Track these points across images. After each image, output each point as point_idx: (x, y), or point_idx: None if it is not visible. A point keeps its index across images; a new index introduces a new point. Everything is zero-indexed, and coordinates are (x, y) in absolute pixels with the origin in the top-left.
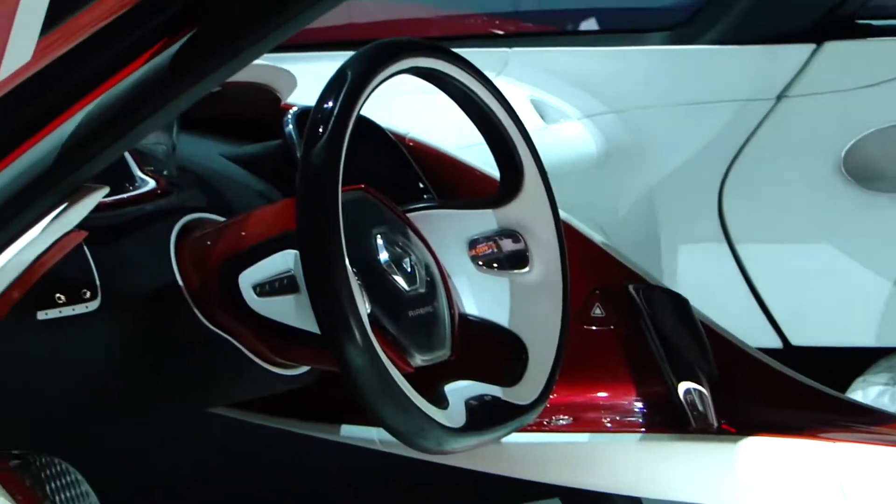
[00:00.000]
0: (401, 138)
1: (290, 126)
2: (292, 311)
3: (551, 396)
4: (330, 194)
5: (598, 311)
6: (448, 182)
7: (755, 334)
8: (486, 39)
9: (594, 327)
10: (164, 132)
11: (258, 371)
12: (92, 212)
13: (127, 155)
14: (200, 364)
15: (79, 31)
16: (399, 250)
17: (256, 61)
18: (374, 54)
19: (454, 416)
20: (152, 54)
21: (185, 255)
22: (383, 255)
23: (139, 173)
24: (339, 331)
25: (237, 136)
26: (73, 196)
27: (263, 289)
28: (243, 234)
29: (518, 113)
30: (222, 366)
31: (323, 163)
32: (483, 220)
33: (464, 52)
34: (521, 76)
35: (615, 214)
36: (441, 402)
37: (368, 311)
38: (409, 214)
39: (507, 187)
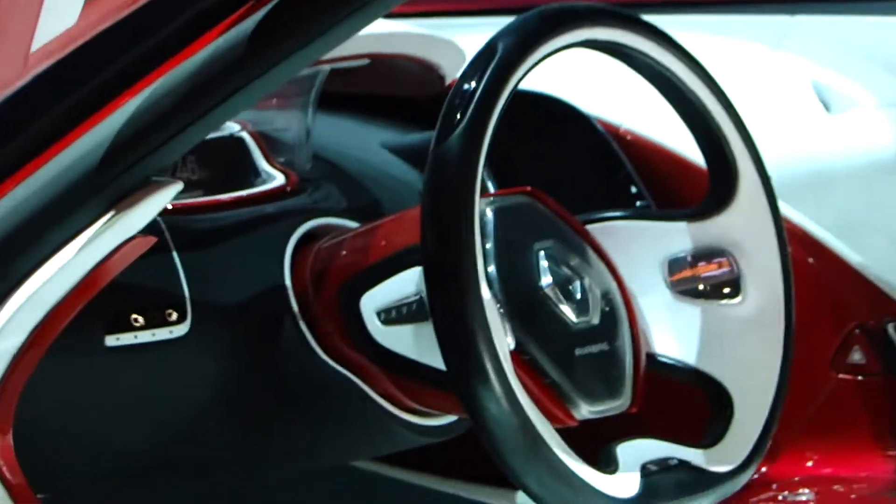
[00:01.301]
0: (613, 130)
1: None
2: (422, 345)
3: (772, 463)
4: (463, 198)
5: (857, 357)
6: (671, 187)
7: None
8: (757, 3)
9: (852, 376)
10: (296, 114)
11: (391, 421)
12: (192, 213)
13: (251, 141)
14: (317, 411)
15: None
16: (568, 272)
17: (413, 30)
18: (532, 24)
19: (624, 483)
20: (232, 22)
21: (303, 270)
22: (546, 278)
23: (265, 166)
24: (465, 371)
25: (404, 120)
26: (137, 194)
27: (389, 315)
28: (370, 246)
29: (730, 97)
30: (345, 414)
31: (456, 158)
32: (685, 236)
33: (728, 19)
34: (805, 51)
35: None
36: (608, 465)
37: (511, 346)
38: (591, 226)
39: (716, 195)
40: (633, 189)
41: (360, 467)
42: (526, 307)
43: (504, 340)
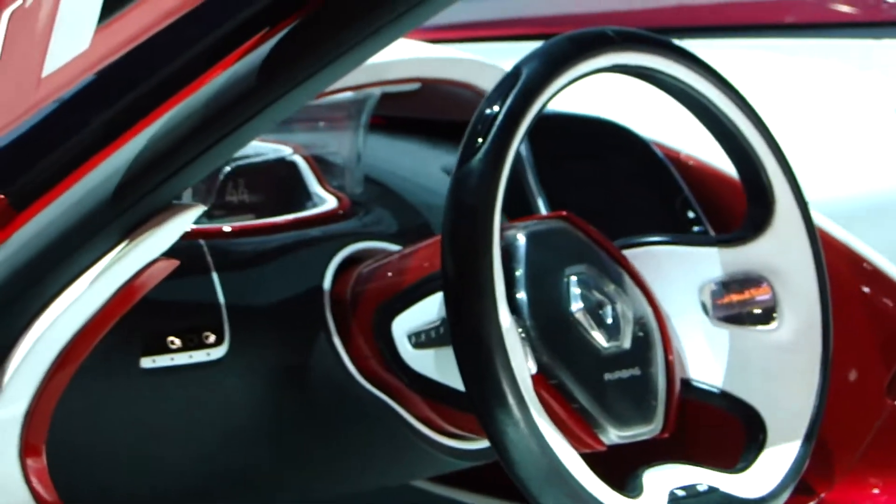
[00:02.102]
0: (673, 155)
1: None
2: (449, 368)
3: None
4: (482, 221)
5: None
6: (731, 213)
7: None
8: (842, 27)
9: None
10: (347, 137)
11: (428, 445)
12: (237, 236)
13: (304, 164)
14: (354, 435)
15: (154, 18)
16: (599, 297)
17: (462, 55)
18: (559, 48)
19: None
20: (248, 49)
21: (342, 294)
22: (576, 303)
23: (318, 189)
24: (482, 395)
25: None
26: (157, 217)
27: (419, 339)
28: (404, 270)
29: (767, 124)
30: (382, 438)
31: (476, 182)
32: (722, 261)
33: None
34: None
35: None
36: (634, 490)
37: (533, 370)
38: (629, 251)
39: (752, 220)
40: (691, 214)
41: (403, 487)
42: (554, 332)
43: (524, 364)
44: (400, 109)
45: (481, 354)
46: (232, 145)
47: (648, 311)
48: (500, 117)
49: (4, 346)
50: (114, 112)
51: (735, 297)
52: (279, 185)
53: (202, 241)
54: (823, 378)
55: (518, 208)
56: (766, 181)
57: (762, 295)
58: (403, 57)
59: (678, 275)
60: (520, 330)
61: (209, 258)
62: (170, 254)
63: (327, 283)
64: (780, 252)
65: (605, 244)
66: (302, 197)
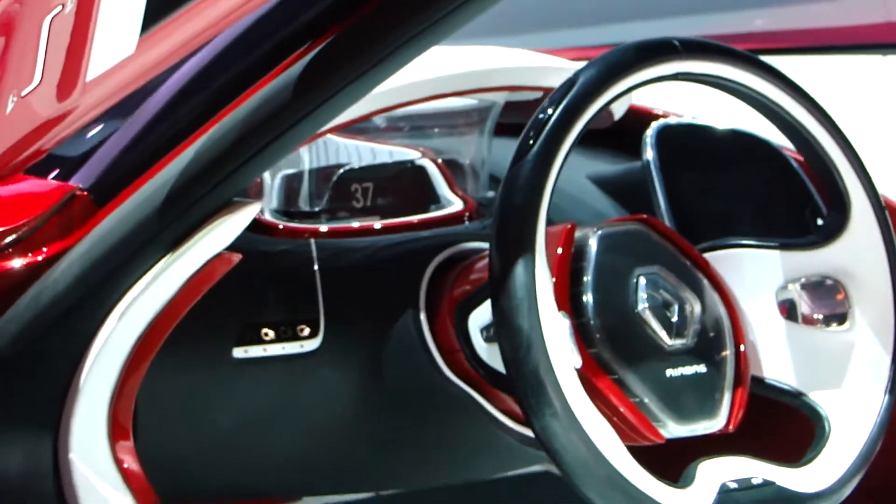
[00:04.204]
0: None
1: (649, 141)
2: None
3: None
4: (527, 220)
5: None
6: None
7: None
8: None
9: None
10: (473, 143)
11: (514, 437)
12: (347, 235)
13: (433, 168)
14: (443, 428)
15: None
16: (667, 296)
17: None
18: (616, 57)
19: (694, 499)
20: (297, 58)
21: (437, 292)
22: (642, 302)
23: (447, 192)
24: (524, 389)
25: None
26: (218, 215)
27: (489, 333)
28: (484, 267)
29: (841, 128)
30: (471, 431)
31: (525, 183)
32: (800, 264)
33: None
34: None
35: None
36: (685, 480)
37: (578, 365)
38: (712, 254)
39: (829, 224)
40: (820, 222)
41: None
42: (617, 329)
43: (567, 360)
44: (522, 117)
45: (519, 349)
46: (277, 151)
47: (722, 310)
48: (552, 122)
49: (86, 334)
50: (178, 118)
51: (810, 299)
52: (407, 188)
53: (312, 240)
54: (893, 381)
55: (643, 212)
56: (841, 186)
57: (836, 297)
58: (525, 65)
59: (758, 276)
60: (572, 326)
61: (314, 256)
62: (279, 253)
63: (425, 280)
64: (855, 256)
65: (685, 246)
66: (430, 199)
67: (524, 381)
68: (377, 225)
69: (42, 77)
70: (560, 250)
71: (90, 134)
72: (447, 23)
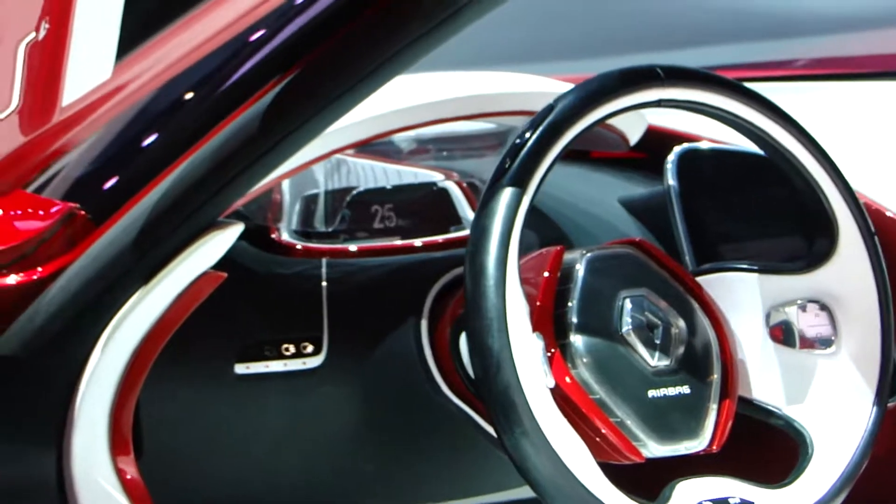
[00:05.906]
0: None
1: (670, 167)
2: None
3: None
4: (501, 242)
5: None
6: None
7: None
8: None
9: None
10: (493, 160)
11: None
12: (359, 256)
13: (456, 189)
14: (442, 446)
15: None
16: (652, 318)
17: None
18: (595, 85)
19: None
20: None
21: (440, 312)
22: (626, 324)
23: (469, 214)
24: (493, 408)
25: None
26: (204, 233)
27: None
28: None
29: (828, 153)
30: (469, 449)
31: (496, 206)
32: (789, 287)
33: None
34: None
35: None
36: (661, 501)
37: (551, 385)
38: (702, 277)
39: (817, 248)
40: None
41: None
42: (600, 350)
43: (539, 379)
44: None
45: (489, 368)
46: (257, 175)
47: (711, 332)
48: (528, 146)
49: (83, 349)
50: (167, 139)
51: (797, 322)
52: (428, 209)
53: (323, 260)
54: (878, 405)
55: (662, 236)
56: (828, 211)
57: (823, 320)
58: (542, 90)
59: (747, 299)
60: (550, 347)
61: (323, 275)
62: (286, 273)
63: (429, 300)
64: (842, 280)
65: (676, 269)
66: (450, 221)
67: (494, 401)
68: (393, 245)
69: (20, 101)
70: (547, 273)
71: (88, 153)
72: (406, 55)
